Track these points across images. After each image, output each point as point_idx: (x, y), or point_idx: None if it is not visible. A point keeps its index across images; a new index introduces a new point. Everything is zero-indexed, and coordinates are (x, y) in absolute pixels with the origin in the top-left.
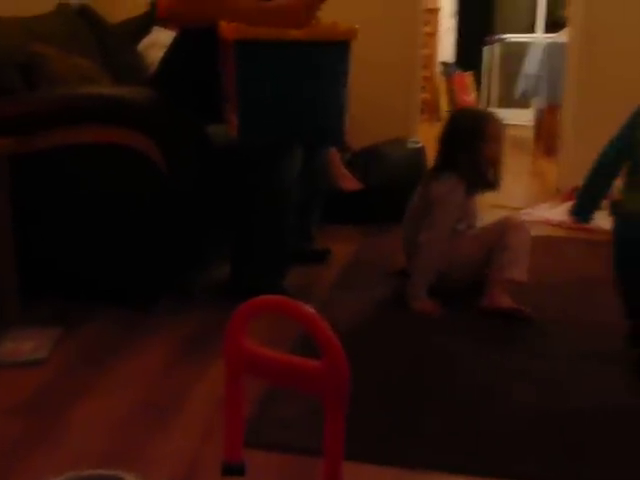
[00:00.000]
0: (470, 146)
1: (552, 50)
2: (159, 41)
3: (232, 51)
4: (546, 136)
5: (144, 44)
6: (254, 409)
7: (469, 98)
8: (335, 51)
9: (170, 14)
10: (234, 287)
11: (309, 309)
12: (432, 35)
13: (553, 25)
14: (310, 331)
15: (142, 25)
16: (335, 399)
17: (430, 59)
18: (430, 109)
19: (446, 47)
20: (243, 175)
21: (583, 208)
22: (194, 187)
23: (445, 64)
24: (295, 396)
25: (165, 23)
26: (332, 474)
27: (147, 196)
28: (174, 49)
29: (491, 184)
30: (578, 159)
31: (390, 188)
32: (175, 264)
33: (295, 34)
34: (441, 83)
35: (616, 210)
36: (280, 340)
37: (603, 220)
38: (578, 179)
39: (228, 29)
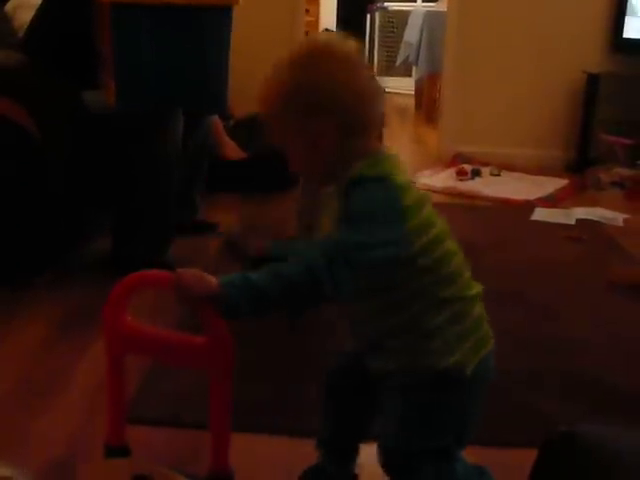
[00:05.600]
0: None
1: (431, 19)
2: (28, 2)
3: (108, 14)
4: (427, 104)
5: (12, 5)
6: (141, 383)
7: None
8: (217, 16)
9: None
10: (117, 260)
11: None
12: (314, 2)
13: None
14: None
15: None
16: (220, 373)
17: (312, 26)
18: None
19: (328, 14)
20: (123, 144)
21: None
22: (70, 156)
23: (327, 31)
24: (182, 370)
25: None
26: (219, 447)
27: (21, 166)
28: (44, 10)
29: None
30: (457, 126)
31: (273, 156)
32: (54, 238)
33: None
34: None
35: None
36: (166, 311)
37: (484, 186)
38: (458, 146)
39: None
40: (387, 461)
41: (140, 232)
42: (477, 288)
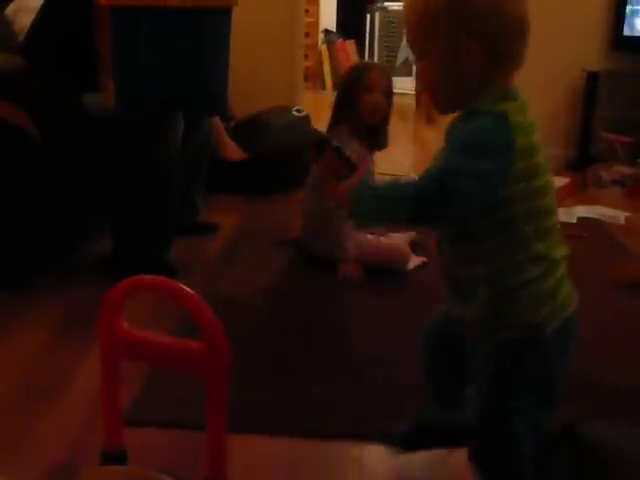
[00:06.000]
0: (350, 98)
1: None
2: (28, 5)
3: (108, 17)
4: (427, 104)
5: (12, 8)
6: (143, 386)
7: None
8: (216, 17)
9: None
10: (117, 261)
11: (186, 289)
12: (314, 3)
13: None
14: (189, 312)
15: None
16: (216, 379)
17: (313, 27)
18: (314, 77)
19: (328, 15)
20: (123, 145)
21: None
22: (70, 158)
23: (327, 32)
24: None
25: None
26: (215, 453)
27: (22, 168)
28: (44, 13)
29: (378, 139)
30: None
31: (275, 157)
32: (54, 239)
33: (174, 0)
34: (324, 51)
35: None
36: (167, 316)
37: None
38: None
39: None
40: (480, 422)
41: (140, 233)
42: (564, 250)
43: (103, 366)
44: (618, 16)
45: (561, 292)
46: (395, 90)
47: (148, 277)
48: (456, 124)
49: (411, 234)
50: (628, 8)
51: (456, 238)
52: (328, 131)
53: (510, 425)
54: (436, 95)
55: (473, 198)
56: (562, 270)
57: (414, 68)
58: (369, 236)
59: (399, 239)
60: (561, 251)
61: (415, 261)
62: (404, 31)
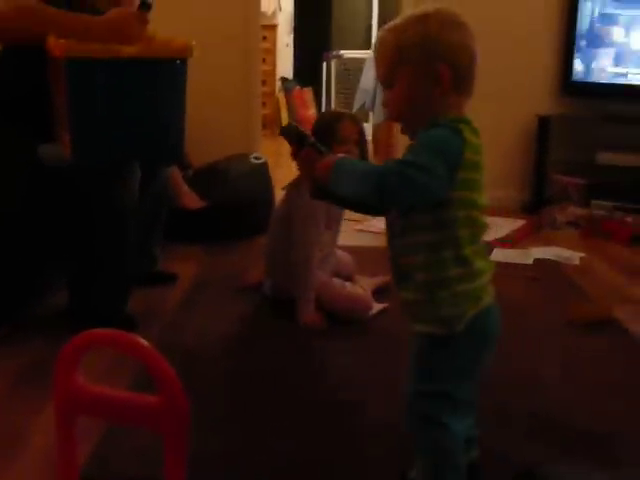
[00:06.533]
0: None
1: None
2: None
3: (63, 69)
4: (384, 149)
5: None
6: (98, 441)
7: (309, 113)
8: (172, 68)
9: None
10: (74, 314)
11: (142, 343)
12: (271, 51)
13: None
14: (145, 366)
15: None
16: (174, 434)
17: (270, 75)
18: (271, 124)
19: (285, 63)
20: (79, 197)
21: None
22: (24, 210)
23: (285, 80)
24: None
25: None
26: None
27: None
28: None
29: None
30: None
31: (234, 205)
32: (9, 292)
33: (129, 51)
34: (281, 99)
35: None
36: (126, 368)
37: None
38: None
39: (58, 46)
40: (407, 404)
41: (97, 285)
42: (488, 266)
43: (58, 422)
44: (566, 62)
45: (479, 297)
46: None
47: (104, 331)
48: (419, 135)
49: (378, 280)
50: (575, 55)
51: (402, 229)
52: (295, 180)
53: (428, 409)
54: (404, 119)
55: (423, 189)
56: (484, 281)
57: (370, 115)
58: (335, 279)
59: (366, 284)
60: (485, 265)
61: (377, 307)
62: (360, 77)
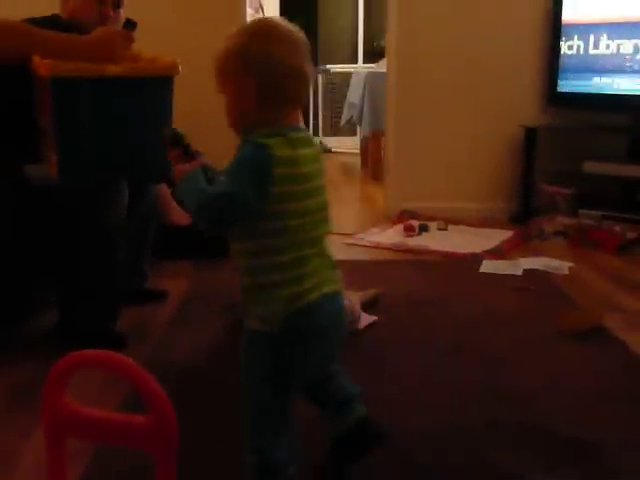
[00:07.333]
0: None
1: (373, 79)
2: None
3: (48, 88)
4: (372, 162)
5: None
6: (89, 460)
7: None
8: (158, 86)
9: None
10: (63, 334)
11: (131, 363)
12: None
13: (374, 54)
14: (134, 386)
15: None
16: (164, 454)
17: None
18: None
19: None
20: (67, 216)
21: None
22: (11, 230)
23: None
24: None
25: None
26: None
27: None
28: None
29: None
30: (403, 183)
31: None
32: None
33: (114, 70)
34: None
35: None
36: (115, 387)
37: (432, 241)
38: (404, 202)
39: (43, 65)
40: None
41: (86, 304)
42: (324, 263)
43: (48, 444)
44: (552, 73)
45: (301, 298)
46: (341, 149)
47: (92, 352)
48: (234, 155)
49: (367, 293)
50: (561, 65)
51: (231, 237)
52: None
53: (250, 400)
54: (231, 125)
55: (233, 217)
56: (313, 282)
57: (358, 128)
58: None
59: (355, 297)
60: (316, 267)
61: (366, 320)
62: (347, 91)
